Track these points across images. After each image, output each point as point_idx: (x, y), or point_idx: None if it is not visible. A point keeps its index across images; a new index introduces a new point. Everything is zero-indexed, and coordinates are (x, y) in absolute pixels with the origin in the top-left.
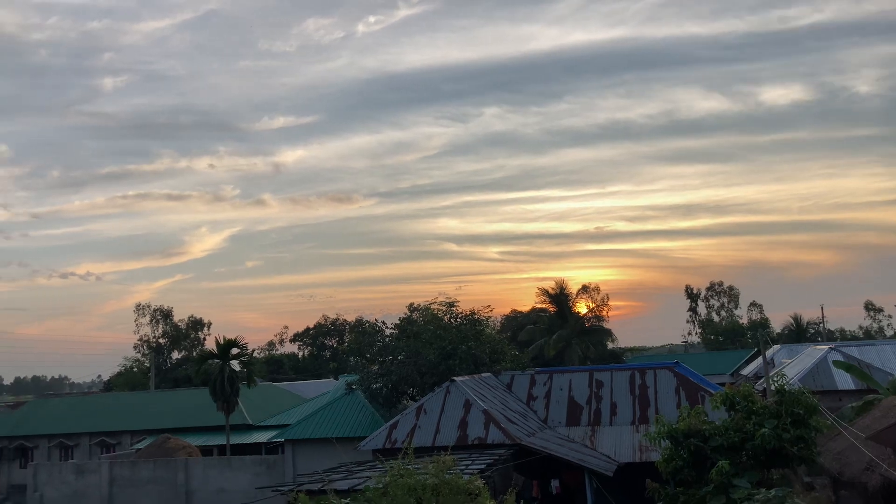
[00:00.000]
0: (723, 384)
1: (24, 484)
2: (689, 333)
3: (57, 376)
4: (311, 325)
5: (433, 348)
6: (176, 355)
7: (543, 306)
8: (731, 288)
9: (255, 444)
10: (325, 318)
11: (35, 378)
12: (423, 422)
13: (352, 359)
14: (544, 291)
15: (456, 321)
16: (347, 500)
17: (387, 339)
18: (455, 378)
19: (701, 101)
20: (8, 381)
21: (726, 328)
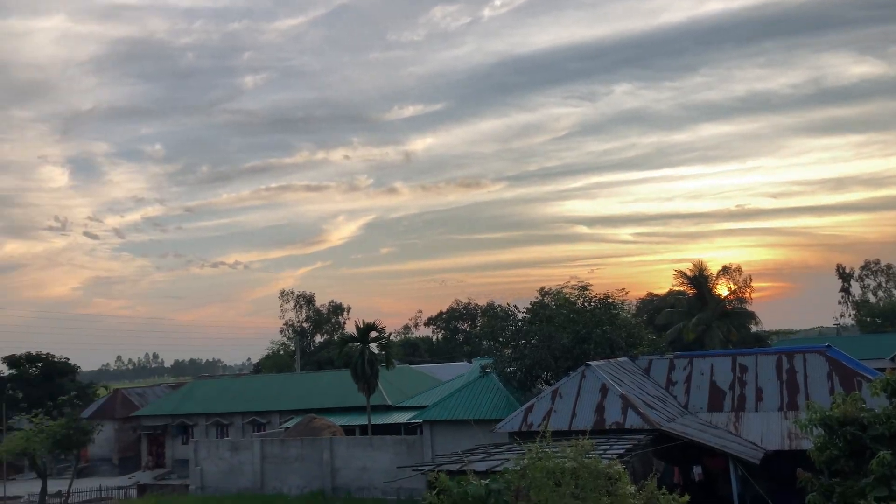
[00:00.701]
0: (882, 369)
1: (186, 458)
2: (842, 315)
3: (211, 359)
4: (444, 309)
5: (567, 332)
6: (318, 339)
7: (681, 289)
8: (888, 266)
9: (394, 424)
10: (458, 302)
11: (192, 361)
12: (559, 405)
13: (485, 342)
14: (682, 274)
15: (590, 305)
16: (486, 482)
17: (519, 323)
18: (590, 362)
19: (852, 66)
20: (168, 363)
21: (884, 309)
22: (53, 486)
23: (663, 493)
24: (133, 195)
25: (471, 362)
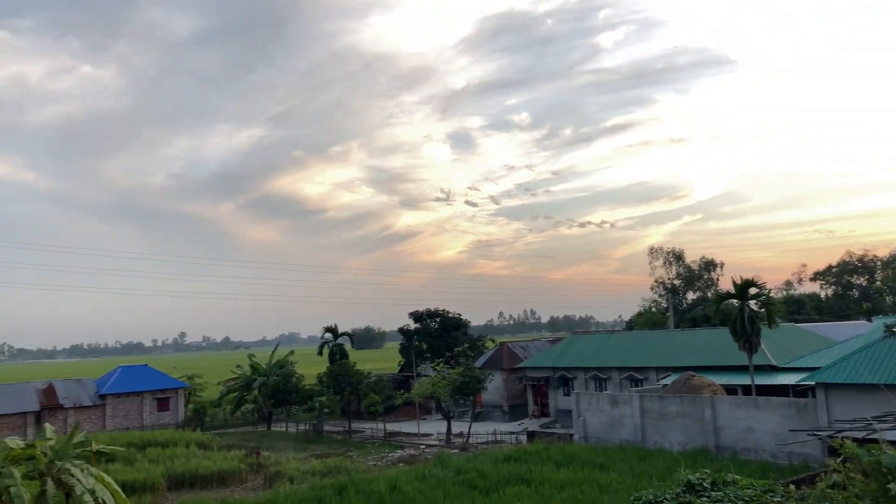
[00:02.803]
0: None
1: (568, 409)
2: None
3: (584, 316)
4: (834, 263)
5: None
6: (691, 296)
7: None
8: None
9: (779, 385)
10: (850, 254)
11: (566, 317)
12: None
13: (888, 298)
14: None
15: None
16: None
17: None
18: None
19: None
20: (544, 319)
21: None
22: (455, 427)
23: None
24: (505, 163)
25: (870, 321)
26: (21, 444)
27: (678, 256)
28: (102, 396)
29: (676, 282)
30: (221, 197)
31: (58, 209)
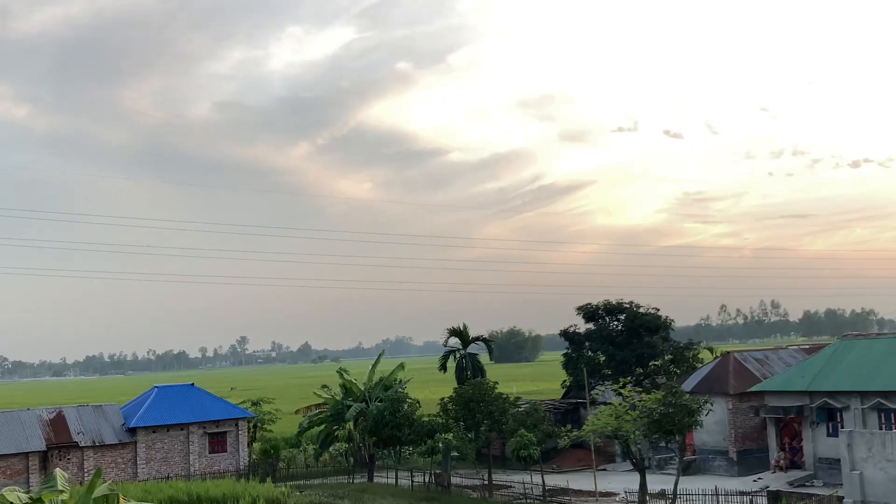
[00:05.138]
0: None
1: (835, 458)
2: None
3: (859, 309)
4: None
5: None
6: None
7: None
8: None
9: None
10: None
11: (829, 312)
12: None
13: None
14: None
15: None
16: None
17: None
18: None
19: None
20: (794, 316)
21: None
22: (653, 482)
23: None
24: (723, 70)
25: None
26: (24, 497)
27: None
28: (132, 430)
29: None
30: (292, 135)
31: (61, 158)
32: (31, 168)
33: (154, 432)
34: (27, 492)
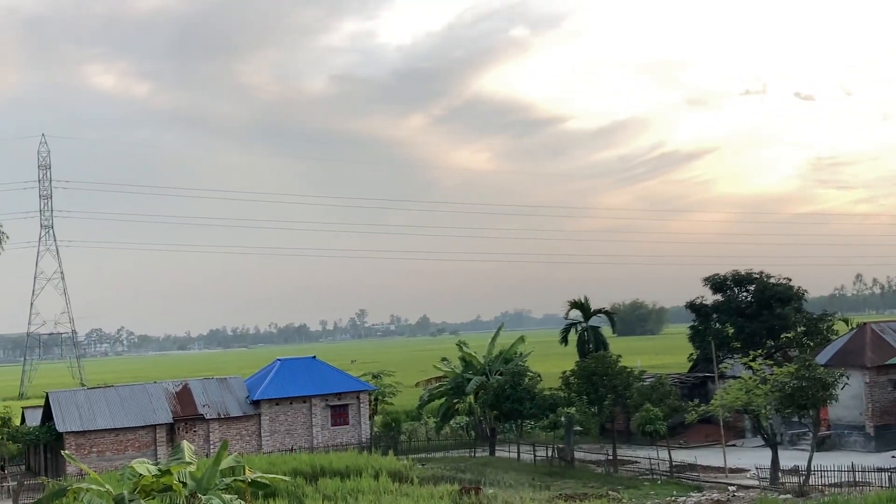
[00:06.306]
0: None
1: None
2: None
3: None
4: None
5: None
6: None
7: None
8: None
9: None
10: None
11: None
12: None
13: None
14: None
15: None
16: None
17: None
18: None
19: None
20: None
21: None
22: (785, 458)
23: None
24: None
25: None
26: (153, 469)
27: None
28: (256, 403)
29: None
30: (408, 106)
31: (180, 134)
32: (153, 144)
33: (277, 405)
34: (156, 463)
